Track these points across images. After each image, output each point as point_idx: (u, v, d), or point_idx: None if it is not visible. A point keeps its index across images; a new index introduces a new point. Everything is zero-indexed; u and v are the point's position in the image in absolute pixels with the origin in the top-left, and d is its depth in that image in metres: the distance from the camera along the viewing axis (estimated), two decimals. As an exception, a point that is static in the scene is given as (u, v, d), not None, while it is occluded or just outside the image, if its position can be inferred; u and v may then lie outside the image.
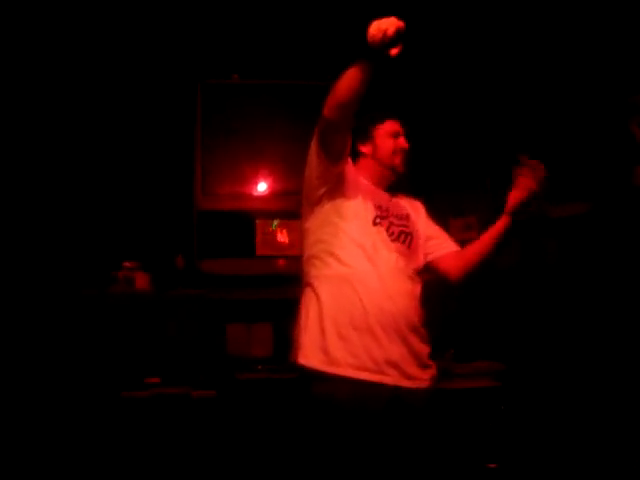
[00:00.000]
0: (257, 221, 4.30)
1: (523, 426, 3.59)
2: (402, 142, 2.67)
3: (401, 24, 2.13)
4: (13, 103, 4.13)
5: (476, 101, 4.31)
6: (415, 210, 2.75)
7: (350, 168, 2.61)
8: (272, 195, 4.33)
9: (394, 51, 2.18)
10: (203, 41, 4.39)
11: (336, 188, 2.53)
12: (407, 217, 2.66)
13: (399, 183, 2.77)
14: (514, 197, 2.58)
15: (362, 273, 2.43)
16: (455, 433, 3.41)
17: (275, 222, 4.31)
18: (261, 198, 4.35)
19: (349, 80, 2.29)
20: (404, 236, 2.59)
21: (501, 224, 2.59)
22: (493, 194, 4.23)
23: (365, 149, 2.70)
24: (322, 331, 2.40)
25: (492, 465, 3.45)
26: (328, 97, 2.36)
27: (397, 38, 2.13)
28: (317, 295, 2.46)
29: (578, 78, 3.72)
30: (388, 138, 2.68)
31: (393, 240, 2.55)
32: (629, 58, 3.46)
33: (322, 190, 2.53)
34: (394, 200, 2.71)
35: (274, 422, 3.66)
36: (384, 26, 2.13)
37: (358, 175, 2.64)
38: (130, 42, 4.33)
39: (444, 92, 4.45)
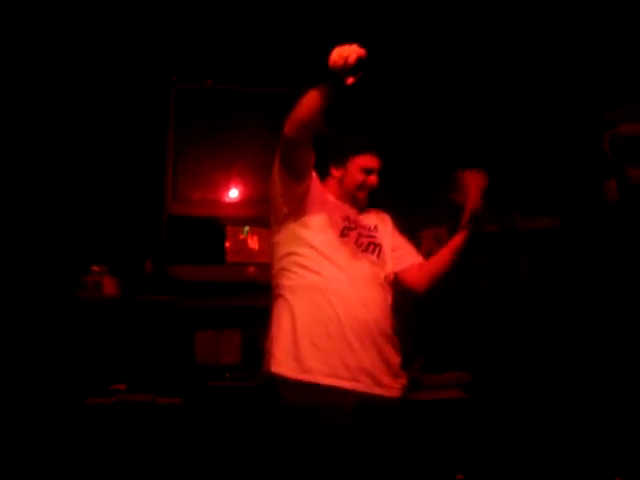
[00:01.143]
0: (228, 228, 4.28)
1: (490, 437, 3.60)
2: (372, 180, 2.68)
3: (362, 52, 2.13)
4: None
5: (448, 112, 4.33)
6: (382, 222, 2.77)
7: (316, 183, 2.61)
8: (243, 202, 4.31)
9: (350, 80, 2.18)
10: (178, 45, 4.38)
11: (302, 204, 2.54)
12: (375, 228, 2.69)
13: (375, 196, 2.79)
14: (467, 209, 2.62)
15: (334, 282, 2.44)
16: (423, 444, 3.41)
17: (246, 229, 4.29)
18: (232, 205, 4.33)
19: (309, 101, 2.31)
20: (373, 247, 2.61)
21: (458, 237, 2.64)
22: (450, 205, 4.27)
23: (336, 172, 2.71)
24: (295, 340, 2.40)
25: (459, 476, 3.45)
26: (289, 116, 2.36)
27: (358, 66, 2.13)
28: (289, 305, 2.46)
29: (552, 92, 3.75)
30: (360, 172, 2.67)
31: (363, 251, 2.57)
32: (603, 73, 3.50)
33: (287, 207, 2.54)
34: (362, 212, 2.73)
35: (241, 430, 3.64)
36: (346, 53, 2.13)
37: (324, 190, 2.65)
38: (104, 44, 4.31)
39: (417, 105, 4.47)
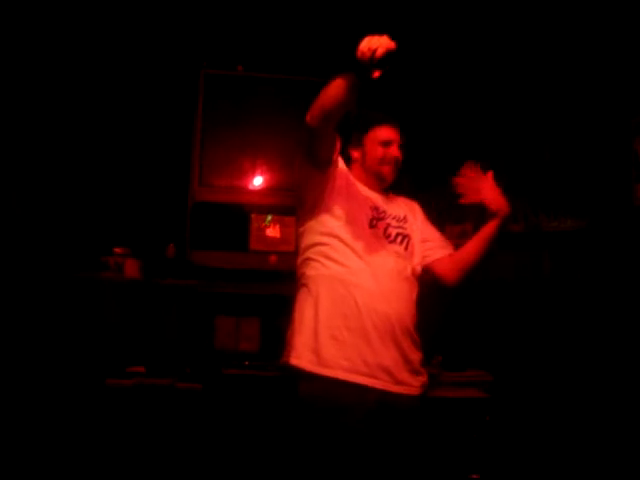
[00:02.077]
0: (252, 215, 4.27)
1: (507, 438, 3.58)
2: (393, 151, 2.64)
3: (392, 45, 2.09)
4: (7, 88, 4.08)
5: (480, 112, 4.29)
6: (412, 212, 2.74)
7: (343, 171, 2.59)
8: (268, 190, 4.30)
9: (376, 73, 2.16)
10: (208, 30, 4.37)
11: (328, 193, 2.52)
12: (404, 219, 2.66)
13: (397, 185, 2.76)
14: (489, 200, 2.61)
15: (358, 274, 2.42)
16: (439, 442, 3.40)
17: (269, 217, 4.28)
18: (257, 192, 4.31)
19: (334, 90, 2.28)
20: (401, 238, 2.59)
21: (490, 226, 2.63)
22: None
23: (355, 154, 2.69)
24: (315, 332, 2.39)
25: (475, 476, 3.44)
26: (312, 104, 2.34)
27: (386, 59, 2.10)
28: (312, 296, 2.45)
29: (582, 95, 3.70)
30: (377, 146, 2.64)
31: (390, 242, 2.55)
32: (634, 76, 3.45)
33: (312, 197, 2.52)
34: (391, 201, 2.70)
35: (258, 420, 3.64)
36: (375, 45, 2.09)
37: (352, 179, 2.62)
38: (134, 28, 4.31)
39: (444, 102, 4.44)
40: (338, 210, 2.51)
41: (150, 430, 3.60)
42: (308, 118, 2.35)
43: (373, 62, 2.09)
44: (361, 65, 2.14)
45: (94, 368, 3.76)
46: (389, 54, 2.09)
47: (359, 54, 2.12)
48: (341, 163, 2.61)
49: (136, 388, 3.66)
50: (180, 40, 4.39)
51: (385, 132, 2.66)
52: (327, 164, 2.49)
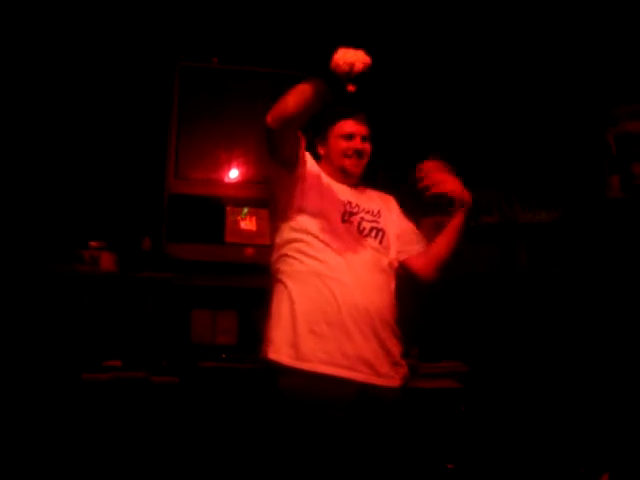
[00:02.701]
0: (228, 208, 4.26)
1: (482, 428, 3.61)
2: (355, 144, 2.62)
3: (368, 61, 2.10)
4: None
5: (452, 102, 4.31)
6: (387, 206, 2.73)
7: (313, 169, 2.58)
8: (244, 183, 4.29)
9: (351, 87, 2.14)
10: (184, 23, 4.34)
11: (299, 191, 2.51)
12: (378, 213, 2.65)
13: (371, 178, 2.76)
14: (453, 192, 2.51)
15: (335, 268, 2.41)
16: (416, 432, 3.42)
17: (245, 210, 4.27)
18: (233, 185, 4.31)
19: (300, 95, 2.27)
20: (376, 232, 2.58)
21: (457, 217, 2.54)
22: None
23: (321, 151, 2.69)
24: (293, 327, 2.39)
25: (450, 465, 3.47)
26: (275, 106, 2.33)
27: (363, 75, 2.10)
28: (289, 291, 2.45)
29: (557, 87, 3.73)
30: (340, 140, 2.63)
31: (365, 236, 2.54)
32: (609, 69, 3.48)
33: (284, 195, 2.52)
34: (365, 195, 2.70)
35: (236, 412, 3.64)
36: (352, 59, 2.09)
37: (323, 175, 2.62)
38: (110, 20, 4.27)
39: (418, 93, 4.46)
40: (310, 207, 2.49)
41: (127, 424, 3.59)
42: (269, 120, 2.33)
43: (350, 76, 2.08)
44: (335, 77, 2.13)
45: (70, 362, 3.74)
46: (365, 70, 2.09)
47: (334, 65, 2.11)
48: (310, 161, 2.60)
49: (112, 382, 3.64)
50: (156, 32, 4.36)
51: (347, 125, 2.64)
52: (292, 164, 2.48)
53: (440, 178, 2.50)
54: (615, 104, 3.44)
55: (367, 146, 2.64)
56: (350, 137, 2.62)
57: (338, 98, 2.26)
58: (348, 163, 2.62)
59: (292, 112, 2.29)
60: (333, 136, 2.65)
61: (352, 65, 2.09)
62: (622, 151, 3.39)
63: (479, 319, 3.94)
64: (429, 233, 4.24)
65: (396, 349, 2.50)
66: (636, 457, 3.16)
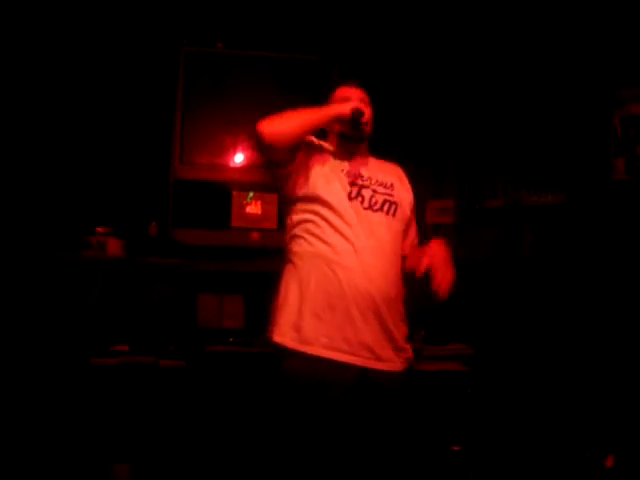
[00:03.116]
0: (233, 192, 4.27)
1: (488, 411, 3.63)
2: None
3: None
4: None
5: (459, 85, 4.31)
6: (400, 180, 2.70)
7: (311, 152, 2.56)
8: (249, 167, 4.29)
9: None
10: (188, 8, 4.34)
11: (301, 177, 2.51)
12: (391, 186, 2.62)
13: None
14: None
15: (341, 253, 2.41)
16: (421, 414, 3.44)
17: (250, 194, 4.28)
18: (238, 170, 4.31)
19: (308, 122, 2.46)
20: (388, 205, 2.55)
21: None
22: (460, 179, 4.27)
23: (326, 127, 2.68)
24: (299, 309, 2.40)
25: (456, 447, 3.48)
26: (272, 122, 2.40)
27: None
28: (297, 272, 2.46)
29: (562, 69, 3.72)
30: None
31: (376, 210, 2.51)
32: (614, 51, 3.47)
33: (286, 184, 2.54)
34: (378, 167, 2.67)
35: (242, 395, 3.67)
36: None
37: (325, 154, 2.59)
38: (113, 6, 4.27)
39: (424, 76, 4.45)
40: (315, 190, 2.48)
41: (135, 408, 3.62)
42: (266, 135, 2.38)
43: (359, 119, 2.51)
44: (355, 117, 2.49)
45: (78, 347, 3.77)
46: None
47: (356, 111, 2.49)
48: (309, 146, 2.59)
49: (120, 367, 3.67)
50: (160, 18, 4.35)
51: (342, 91, 2.68)
52: (285, 163, 2.50)
53: (442, 274, 2.37)
54: (620, 86, 3.42)
55: (365, 109, 2.59)
56: (346, 101, 2.61)
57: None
58: (347, 127, 2.59)
59: (298, 134, 2.44)
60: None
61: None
62: (627, 133, 3.37)
63: (484, 302, 3.95)
64: (435, 216, 4.30)
65: (400, 334, 2.50)
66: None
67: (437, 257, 2.37)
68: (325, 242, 2.43)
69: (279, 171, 2.52)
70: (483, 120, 4.16)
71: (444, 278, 2.33)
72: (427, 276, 2.35)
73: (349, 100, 2.60)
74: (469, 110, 4.24)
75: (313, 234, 2.46)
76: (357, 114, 2.50)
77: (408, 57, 4.46)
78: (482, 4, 4.11)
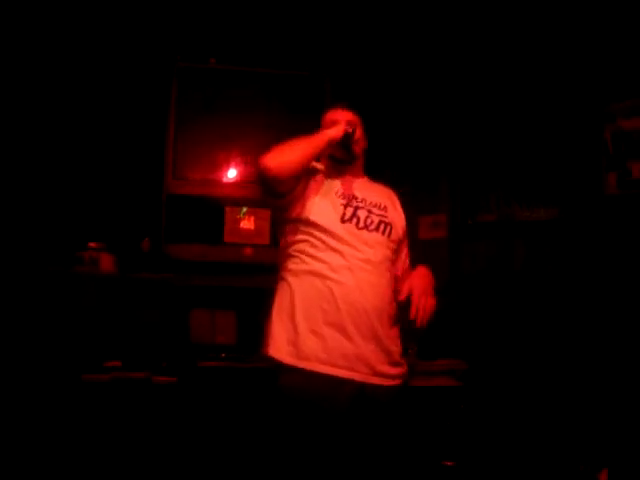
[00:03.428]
0: (226, 208, 4.27)
1: (481, 426, 3.62)
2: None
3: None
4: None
5: (451, 101, 4.32)
6: (392, 201, 2.72)
7: (309, 176, 2.58)
8: (242, 182, 4.30)
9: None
10: (181, 23, 4.35)
11: (297, 201, 2.53)
12: (385, 208, 2.64)
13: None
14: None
15: (336, 270, 2.42)
16: (414, 429, 3.43)
17: (244, 210, 4.28)
18: (231, 185, 4.32)
19: (309, 151, 2.49)
20: (384, 226, 2.57)
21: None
22: (453, 193, 4.28)
23: None
24: (294, 325, 2.41)
25: (449, 463, 3.48)
26: (276, 156, 2.42)
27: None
28: (291, 289, 2.47)
29: (554, 84, 3.74)
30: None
31: (371, 230, 2.53)
32: (605, 66, 3.49)
33: (283, 207, 2.55)
34: (372, 189, 2.69)
35: (235, 411, 3.66)
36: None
37: (320, 177, 2.61)
38: (107, 21, 4.28)
39: (417, 92, 4.47)
40: (309, 211, 2.50)
41: (127, 424, 3.60)
42: (273, 168, 2.40)
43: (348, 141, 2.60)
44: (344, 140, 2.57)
45: (70, 363, 3.75)
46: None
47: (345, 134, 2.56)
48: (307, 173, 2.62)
49: (113, 382, 3.66)
50: (153, 33, 4.36)
51: (331, 115, 2.70)
52: (292, 190, 2.52)
53: (420, 303, 2.38)
54: (611, 101, 3.45)
55: (352, 131, 2.62)
56: (334, 124, 2.63)
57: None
58: (336, 149, 2.61)
59: (300, 164, 2.45)
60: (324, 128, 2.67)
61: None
62: (619, 148, 3.40)
63: (478, 317, 3.95)
64: (427, 231, 4.31)
65: (395, 349, 2.51)
66: (635, 453, 3.17)
67: (418, 286, 2.42)
68: (320, 260, 2.45)
69: (281, 201, 2.53)
70: (475, 135, 4.18)
71: (422, 307, 2.37)
72: (408, 302, 2.38)
73: (337, 123, 2.63)
74: (462, 125, 4.26)
75: (308, 253, 2.47)
76: (345, 137, 2.56)
77: (400, 72, 4.48)
78: (473, 20, 4.14)
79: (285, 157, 2.42)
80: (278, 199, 2.53)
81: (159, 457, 3.61)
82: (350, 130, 2.58)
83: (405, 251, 2.74)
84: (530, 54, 3.87)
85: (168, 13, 4.32)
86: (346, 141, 2.57)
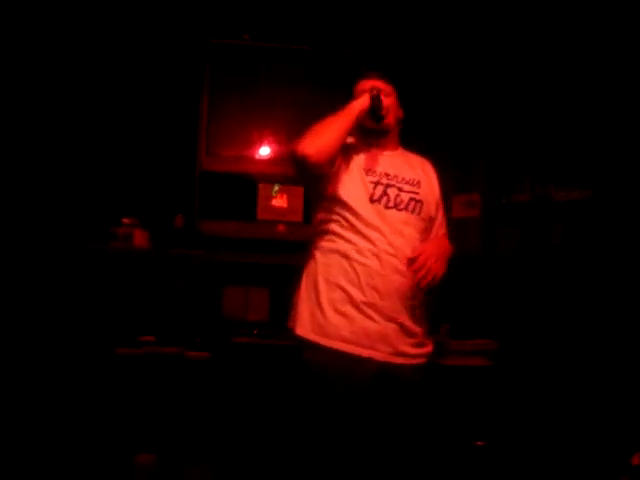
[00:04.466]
0: (259, 185, 4.28)
1: (512, 406, 3.61)
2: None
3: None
4: (17, 65, 4.08)
5: (485, 79, 4.28)
6: (426, 173, 2.67)
7: (342, 155, 2.55)
8: (275, 160, 4.30)
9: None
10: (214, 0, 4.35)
11: (331, 180, 2.50)
12: (418, 183, 2.59)
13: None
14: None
15: (362, 251, 2.42)
16: (446, 409, 3.43)
17: (276, 187, 4.29)
18: (264, 162, 4.32)
19: (343, 128, 2.44)
20: (414, 203, 2.53)
21: None
22: (488, 173, 4.24)
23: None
24: (319, 304, 2.43)
25: (480, 443, 3.47)
26: (312, 140, 2.38)
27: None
28: (317, 267, 2.49)
29: (590, 66, 3.68)
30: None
31: (401, 209, 2.50)
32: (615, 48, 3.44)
33: (317, 186, 2.53)
34: (406, 163, 2.64)
35: (266, 387, 3.69)
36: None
37: (350, 154, 2.55)
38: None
39: (451, 71, 4.42)
40: (340, 191, 2.48)
41: (160, 398, 3.64)
42: (312, 154, 2.36)
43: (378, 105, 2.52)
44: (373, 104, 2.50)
45: (104, 338, 3.80)
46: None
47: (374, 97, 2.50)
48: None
49: (146, 357, 3.71)
50: (186, 10, 4.36)
51: (362, 84, 2.62)
52: (330, 169, 2.48)
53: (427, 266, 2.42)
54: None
55: (387, 100, 2.57)
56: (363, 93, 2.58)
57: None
58: (366, 120, 2.55)
59: (338, 143, 2.42)
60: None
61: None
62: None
63: (511, 297, 3.92)
64: (461, 210, 4.28)
65: (419, 330, 2.50)
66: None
67: (429, 249, 2.46)
68: (348, 240, 2.44)
69: (317, 180, 2.50)
70: (512, 115, 4.12)
71: (426, 267, 2.41)
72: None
73: (365, 92, 2.59)
74: (498, 106, 4.21)
75: (336, 232, 2.47)
76: (373, 102, 2.49)
77: (436, 48, 4.43)
78: (510, 11, 4.09)
79: (322, 140, 2.38)
80: (318, 180, 2.49)
81: (191, 431, 3.65)
82: (375, 93, 2.49)
83: (441, 225, 2.70)
84: (568, 34, 3.81)
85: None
86: (375, 107, 2.49)
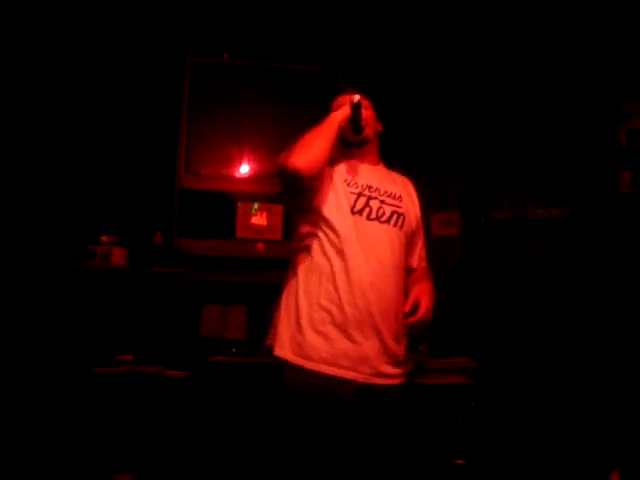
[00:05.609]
0: (238, 203, 4.28)
1: (492, 424, 3.61)
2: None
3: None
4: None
5: (464, 98, 4.31)
6: (408, 193, 2.68)
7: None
8: (254, 178, 4.30)
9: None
10: (195, 18, 4.35)
11: (313, 195, 2.49)
12: (400, 197, 2.60)
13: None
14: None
15: (341, 268, 2.41)
16: (425, 427, 3.43)
17: (256, 205, 4.28)
18: (243, 180, 4.32)
19: (328, 139, 2.42)
20: (396, 217, 2.54)
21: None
22: (474, 191, 4.26)
23: None
24: (298, 324, 2.42)
25: (460, 461, 3.47)
26: (300, 154, 2.35)
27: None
28: (298, 286, 2.47)
29: (567, 83, 3.72)
30: None
31: (383, 222, 2.50)
32: (619, 65, 3.47)
33: (299, 202, 2.53)
34: (387, 177, 2.65)
35: (245, 406, 3.67)
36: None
37: (335, 166, 2.55)
38: (120, 16, 4.29)
39: (430, 90, 4.45)
40: (318, 203, 2.47)
41: (138, 417, 3.61)
42: (302, 167, 2.33)
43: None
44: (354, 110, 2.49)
45: (82, 356, 3.76)
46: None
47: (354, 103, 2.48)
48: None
49: (124, 376, 3.68)
50: (166, 27, 4.37)
51: (340, 100, 2.63)
52: (316, 182, 2.47)
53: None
54: (626, 100, 3.42)
55: (366, 112, 2.57)
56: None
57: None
58: (345, 132, 2.54)
59: (326, 154, 2.40)
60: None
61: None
62: (632, 147, 3.37)
63: (489, 315, 3.94)
64: (440, 228, 4.29)
65: (399, 349, 2.50)
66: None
67: (426, 302, 2.44)
68: (328, 258, 2.43)
69: (306, 195, 2.48)
70: (488, 132, 4.16)
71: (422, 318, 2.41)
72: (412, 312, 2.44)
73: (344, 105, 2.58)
74: (475, 123, 4.24)
75: (317, 250, 2.46)
76: (353, 110, 2.47)
77: (413, 68, 4.46)
78: (487, 15, 4.12)
79: (311, 153, 2.36)
80: (305, 193, 2.47)
81: (170, 450, 3.62)
82: (355, 101, 2.46)
83: (420, 243, 2.70)
84: (544, 52, 3.85)
85: (181, 7, 4.32)
86: (355, 116, 2.48)
